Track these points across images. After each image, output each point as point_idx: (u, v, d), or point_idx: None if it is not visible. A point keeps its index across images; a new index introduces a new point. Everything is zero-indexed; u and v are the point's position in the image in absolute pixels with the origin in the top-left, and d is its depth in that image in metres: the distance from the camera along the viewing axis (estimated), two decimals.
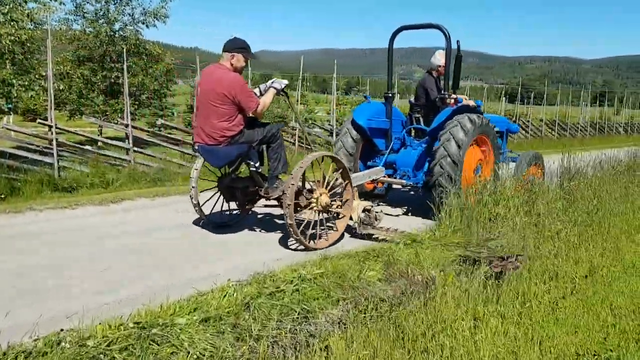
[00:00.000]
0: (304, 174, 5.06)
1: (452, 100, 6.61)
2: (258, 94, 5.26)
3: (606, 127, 25.78)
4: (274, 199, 5.33)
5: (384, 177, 6.74)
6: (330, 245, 5.18)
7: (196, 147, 5.17)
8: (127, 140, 9.16)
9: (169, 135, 10.75)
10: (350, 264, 4.17)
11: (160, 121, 11.00)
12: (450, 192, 5.85)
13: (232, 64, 4.98)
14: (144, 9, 14.93)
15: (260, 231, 5.83)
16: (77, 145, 8.99)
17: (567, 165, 7.70)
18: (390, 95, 7.21)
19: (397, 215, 6.91)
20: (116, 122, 11.25)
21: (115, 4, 14.79)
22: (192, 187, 5.55)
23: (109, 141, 10.01)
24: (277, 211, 6.38)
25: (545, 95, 23.80)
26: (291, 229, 4.80)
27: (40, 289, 3.86)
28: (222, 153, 5.01)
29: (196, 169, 5.68)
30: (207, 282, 3.91)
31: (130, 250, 4.91)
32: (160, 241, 5.28)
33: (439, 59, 7.02)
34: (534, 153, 7.73)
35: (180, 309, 3.18)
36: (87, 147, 9.18)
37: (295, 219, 4.85)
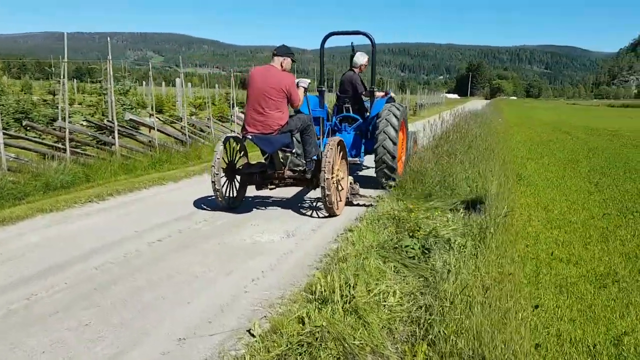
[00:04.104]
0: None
1: (383, 93, 8.45)
2: None
3: None
4: (307, 177, 6.23)
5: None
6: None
7: (249, 137, 5.83)
8: None
9: None
10: None
11: None
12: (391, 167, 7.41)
13: (282, 65, 5.91)
14: None
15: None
16: None
17: None
18: (323, 89, 8.39)
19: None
20: None
21: None
22: (215, 174, 6.10)
23: None
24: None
25: None
26: (328, 198, 5.84)
27: None
28: (274, 140, 5.79)
29: (218, 158, 6.16)
30: None
31: None
32: None
33: (362, 58, 8.23)
34: (413, 132, 9.31)
35: None
36: None
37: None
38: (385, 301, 3.34)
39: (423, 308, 3.31)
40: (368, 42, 7.93)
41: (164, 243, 5.11)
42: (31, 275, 4.13)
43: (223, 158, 6.31)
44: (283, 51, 5.98)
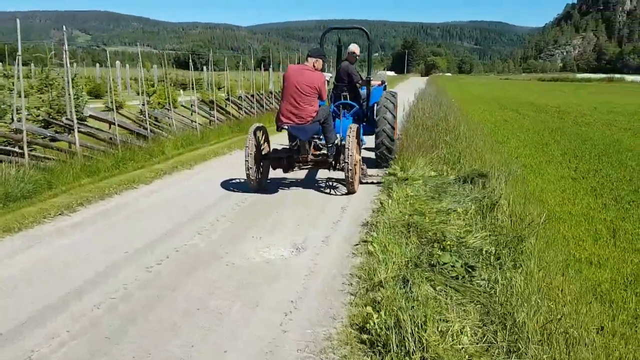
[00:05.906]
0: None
1: (379, 82, 9.33)
2: None
3: None
4: (329, 161, 7.12)
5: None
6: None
7: (286, 127, 6.84)
8: None
9: None
10: None
11: None
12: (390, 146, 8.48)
13: (314, 66, 6.91)
14: None
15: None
16: None
17: None
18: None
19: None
20: None
21: None
22: (250, 167, 6.88)
23: None
24: None
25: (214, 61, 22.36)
26: (351, 178, 6.83)
27: None
28: (308, 129, 6.76)
29: (250, 152, 6.85)
30: None
31: None
32: None
33: (351, 47, 8.81)
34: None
35: None
36: None
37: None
38: (460, 343, 2.96)
39: (504, 350, 2.95)
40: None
41: (164, 266, 4.52)
42: (21, 323, 3.46)
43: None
44: (316, 53, 7.07)
